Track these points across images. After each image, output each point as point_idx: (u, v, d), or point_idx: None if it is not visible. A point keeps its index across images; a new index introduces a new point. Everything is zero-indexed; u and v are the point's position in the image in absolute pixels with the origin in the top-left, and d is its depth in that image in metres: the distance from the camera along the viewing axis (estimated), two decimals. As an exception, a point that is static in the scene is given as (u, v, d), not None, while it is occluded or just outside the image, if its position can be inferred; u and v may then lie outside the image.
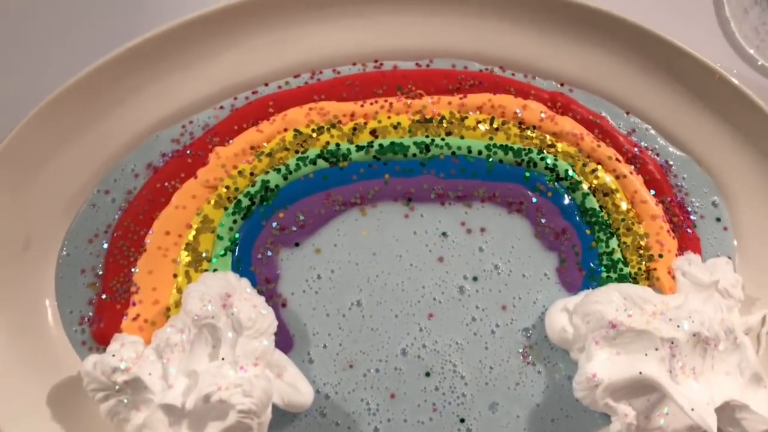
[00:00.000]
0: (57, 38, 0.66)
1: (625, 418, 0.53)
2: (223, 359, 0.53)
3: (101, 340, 0.56)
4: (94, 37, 0.66)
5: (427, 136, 0.62)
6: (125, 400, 0.52)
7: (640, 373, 0.53)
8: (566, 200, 0.61)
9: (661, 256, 0.60)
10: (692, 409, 0.51)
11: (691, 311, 0.55)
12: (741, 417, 0.54)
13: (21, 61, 0.65)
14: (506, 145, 0.61)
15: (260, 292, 0.57)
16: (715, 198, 0.62)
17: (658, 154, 0.63)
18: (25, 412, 0.53)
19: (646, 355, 0.54)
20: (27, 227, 0.58)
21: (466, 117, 0.62)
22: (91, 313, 0.57)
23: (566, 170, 0.61)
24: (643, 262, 0.60)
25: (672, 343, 0.53)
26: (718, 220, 0.62)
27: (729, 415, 0.54)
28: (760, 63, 0.69)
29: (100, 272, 0.58)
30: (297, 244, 0.60)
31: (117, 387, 0.51)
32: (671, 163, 0.63)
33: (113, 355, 0.52)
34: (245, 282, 0.56)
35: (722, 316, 0.55)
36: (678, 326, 0.54)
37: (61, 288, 0.58)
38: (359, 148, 0.61)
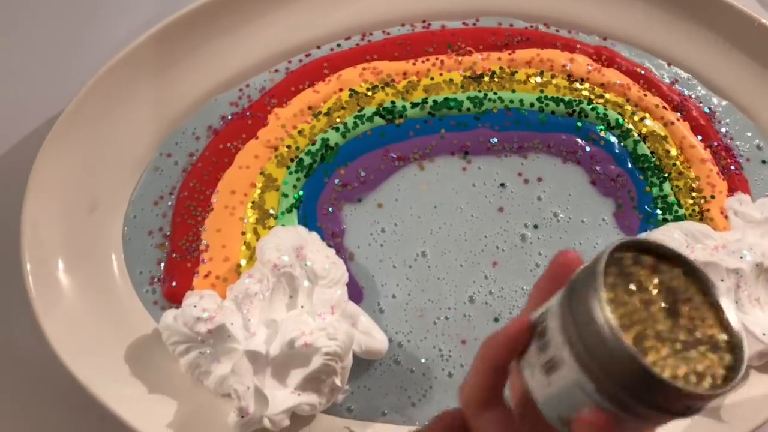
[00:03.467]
0: (111, 8, 0.66)
1: (697, 349, 0.54)
2: (302, 307, 0.53)
3: (173, 299, 0.56)
4: (145, 7, 0.67)
5: (479, 91, 0.63)
6: (207, 352, 0.52)
7: (709, 303, 0.54)
8: (618, 148, 0.62)
9: (713, 197, 0.61)
10: (764, 334, 0.53)
11: (750, 244, 0.56)
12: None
13: (80, 30, 0.65)
14: (557, 97, 0.63)
15: (328, 246, 0.57)
16: (759, 141, 0.64)
17: (701, 102, 0.65)
18: (105, 369, 0.53)
19: (712, 286, 0.55)
20: (92, 192, 0.58)
21: (516, 71, 0.64)
22: (161, 273, 0.58)
23: (616, 119, 0.63)
24: (696, 204, 0.61)
25: (737, 273, 0.55)
26: (764, 162, 0.64)
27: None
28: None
29: (168, 233, 0.58)
30: (359, 200, 0.60)
31: (199, 338, 0.51)
32: (714, 110, 0.65)
33: (194, 306, 0.52)
34: (315, 235, 0.57)
35: (780, 249, 0.57)
36: (741, 257, 0.55)
37: (129, 249, 0.58)
38: (414, 104, 0.62)
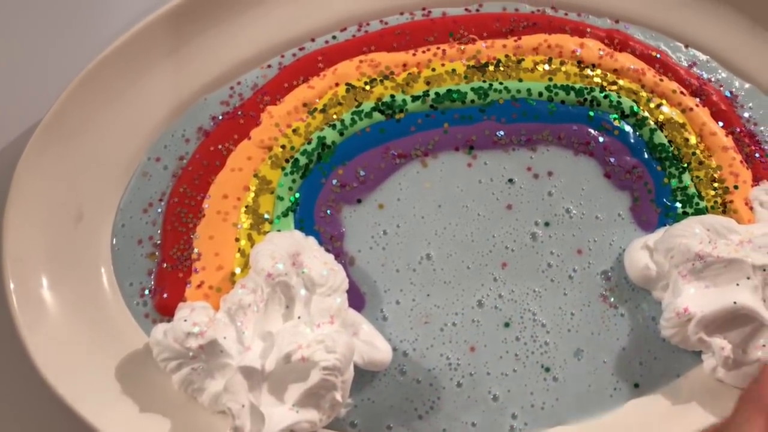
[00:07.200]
0: (92, 7, 0.63)
1: (722, 352, 0.51)
2: (299, 318, 0.50)
3: (165, 311, 0.54)
4: (128, 5, 0.63)
5: (484, 81, 0.59)
6: (200, 368, 0.50)
7: (735, 303, 0.50)
8: (633, 137, 0.59)
9: (736, 187, 0.57)
10: (794, 335, 0.49)
11: (778, 238, 0.53)
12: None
13: (60, 31, 0.62)
14: (567, 85, 0.59)
15: (327, 251, 0.54)
16: (785, 126, 0.60)
17: (721, 86, 0.61)
18: (94, 389, 0.51)
19: (737, 285, 0.51)
20: (78, 200, 0.55)
21: (523, 59, 0.60)
22: (152, 284, 0.55)
23: (631, 107, 0.59)
24: (719, 195, 0.57)
25: (764, 270, 0.51)
26: (791, 148, 0.60)
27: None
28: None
29: (158, 241, 0.56)
30: (359, 201, 0.57)
31: (191, 354, 0.49)
32: (736, 93, 0.61)
33: (185, 321, 0.49)
34: (312, 240, 0.54)
35: (810, 243, 0.53)
36: (768, 253, 0.51)
37: (118, 260, 0.55)
38: (415, 98, 0.59)
